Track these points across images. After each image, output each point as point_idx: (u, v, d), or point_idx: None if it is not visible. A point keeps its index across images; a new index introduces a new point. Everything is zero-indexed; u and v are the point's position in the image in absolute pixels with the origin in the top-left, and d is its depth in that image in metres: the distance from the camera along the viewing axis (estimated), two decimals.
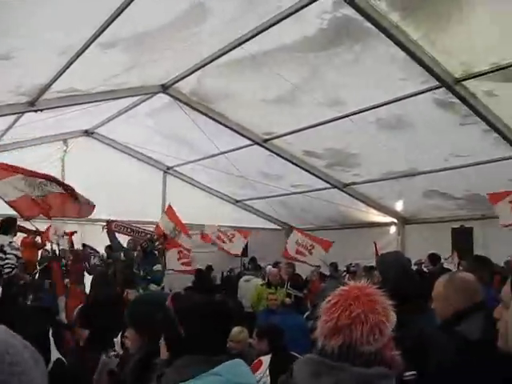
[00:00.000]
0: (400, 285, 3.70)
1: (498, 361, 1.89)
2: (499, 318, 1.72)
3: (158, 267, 9.95)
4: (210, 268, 14.06)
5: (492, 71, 7.38)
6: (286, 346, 5.82)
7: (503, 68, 7.25)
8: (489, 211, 11.98)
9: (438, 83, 7.89)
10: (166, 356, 2.44)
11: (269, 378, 5.36)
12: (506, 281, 1.71)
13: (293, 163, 12.20)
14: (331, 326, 2.17)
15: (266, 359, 5.70)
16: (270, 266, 11.58)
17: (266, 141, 11.53)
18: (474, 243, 12.12)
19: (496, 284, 7.16)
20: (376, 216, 14.55)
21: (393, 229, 14.81)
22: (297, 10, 7.03)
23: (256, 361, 5.70)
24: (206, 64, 8.82)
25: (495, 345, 1.73)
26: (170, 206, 12.83)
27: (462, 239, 12.12)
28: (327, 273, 13.39)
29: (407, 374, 2.73)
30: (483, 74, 7.51)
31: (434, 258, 9.55)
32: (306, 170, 12.46)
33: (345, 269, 13.19)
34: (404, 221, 14.52)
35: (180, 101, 10.48)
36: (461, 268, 9.05)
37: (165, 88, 10.16)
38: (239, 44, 8.04)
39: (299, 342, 6.65)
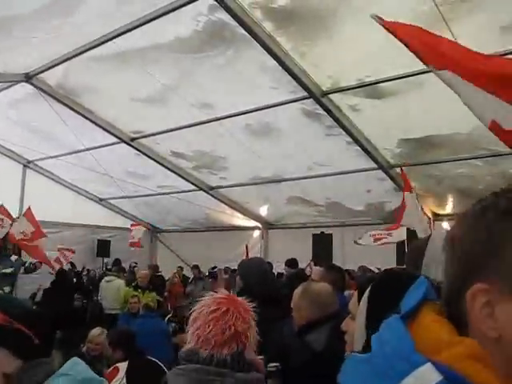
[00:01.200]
0: (262, 291, 3.75)
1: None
2: (347, 329, 1.77)
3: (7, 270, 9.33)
4: (73, 266, 13.42)
5: (357, 87, 7.75)
6: (142, 351, 5.65)
7: (367, 85, 7.64)
8: (348, 219, 12.62)
9: (306, 94, 8.12)
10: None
11: None
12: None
13: (160, 164, 12.01)
14: (229, 334, 2.24)
15: (122, 366, 5.50)
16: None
17: (133, 139, 11.24)
18: (334, 249, 12.64)
19: (353, 288, 7.52)
20: (241, 220, 14.75)
21: (256, 233, 15.09)
22: (172, 10, 6.93)
23: (112, 368, 5.48)
24: (75, 56, 8.42)
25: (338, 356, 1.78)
26: (29, 209, 12.02)
27: (322, 245, 12.57)
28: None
29: (271, 365, 2.83)
30: (348, 89, 7.85)
31: (291, 263, 9.85)
32: (173, 171, 12.32)
33: (207, 272, 13.23)
34: (268, 225, 14.84)
35: (45, 92, 9.91)
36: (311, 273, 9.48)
37: (28, 77, 9.55)
38: (111, 38, 7.76)
39: (159, 345, 6.53)
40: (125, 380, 5.26)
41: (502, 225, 0.85)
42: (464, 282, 0.87)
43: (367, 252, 11.10)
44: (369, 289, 1.61)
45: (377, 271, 9.70)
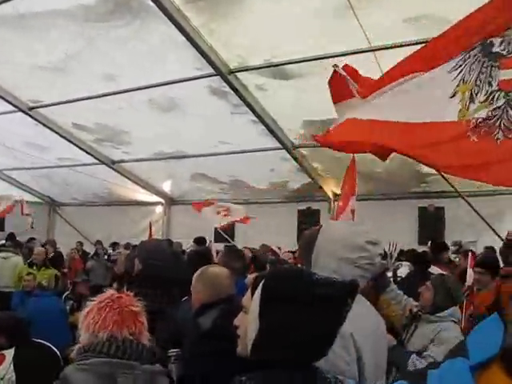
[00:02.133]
0: (161, 273, 3.74)
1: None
2: (239, 324, 1.79)
3: None
4: None
5: (264, 67, 7.79)
6: (29, 337, 5.37)
7: (274, 66, 7.70)
8: (251, 197, 12.74)
9: (213, 71, 8.06)
10: None
11: (14, 374, 4.94)
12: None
13: (60, 135, 11.52)
14: (126, 313, 2.32)
15: (9, 353, 5.24)
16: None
17: (31, 109, 10.70)
18: (236, 227, 12.74)
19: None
20: (143, 195, 14.54)
21: (159, 208, 14.95)
22: None
23: None
24: None
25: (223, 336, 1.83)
26: None
27: None
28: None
29: (171, 351, 2.83)
30: (256, 69, 7.88)
31: (199, 241, 9.85)
32: (74, 144, 11.87)
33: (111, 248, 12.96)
34: (171, 201, 14.73)
35: None
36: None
37: None
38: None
39: (55, 326, 6.32)
40: (12, 368, 5.02)
41: None
42: None
43: (265, 231, 11.34)
44: (261, 284, 1.65)
45: (277, 250, 9.91)
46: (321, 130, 9.41)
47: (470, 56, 3.57)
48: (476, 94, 3.53)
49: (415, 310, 3.99)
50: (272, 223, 12.08)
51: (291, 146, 10.11)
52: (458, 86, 3.60)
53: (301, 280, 1.63)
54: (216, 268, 3.32)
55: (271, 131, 9.45)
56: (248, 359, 1.66)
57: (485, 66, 3.52)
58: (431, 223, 11.27)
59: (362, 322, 1.95)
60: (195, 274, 3.18)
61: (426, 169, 10.02)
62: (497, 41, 3.49)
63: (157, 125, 10.15)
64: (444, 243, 8.22)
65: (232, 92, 8.48)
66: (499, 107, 3.41)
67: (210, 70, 8.09)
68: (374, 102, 4.01)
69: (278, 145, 10.02)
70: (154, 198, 14.70)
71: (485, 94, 3.49)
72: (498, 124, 3.40)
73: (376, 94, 4.00)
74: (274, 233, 11.44)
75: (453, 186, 4.39)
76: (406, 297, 4.06)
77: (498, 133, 3.38)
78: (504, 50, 3.46)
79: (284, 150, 10.22)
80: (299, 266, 2.25)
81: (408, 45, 6.84)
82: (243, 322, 1.74)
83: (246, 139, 10.15)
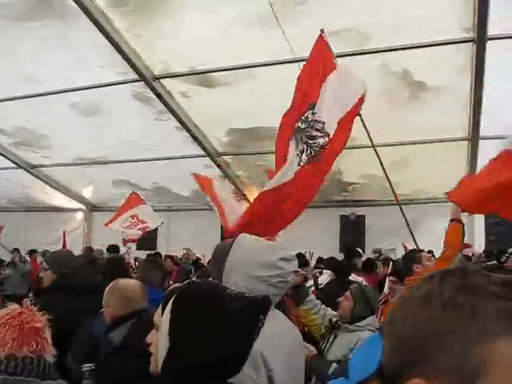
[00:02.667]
0: (74, 284, 3.71)
1: None
2: (151, 341, 1.76)
3: None
4: None
5: (189, 74, 7.80)
6: None
7: (199, 73, 7.73)
8: (174, 204, 12.67)
9: (137, 76, 7.99)
10: None
11: None
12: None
13: None
14: (27, 329, 2.22)
15: None
16: None
17: None
18: (159, 234, 12.64)
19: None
20: (63, 201, 14.14)
21: (80, 215, 14.59)
22: None
23: None
24: None
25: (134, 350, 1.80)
26: None
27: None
28: None
29: (85, 365, 2.80)
30: (181, 75, 7.88)
31: (111, 249, 9.65)
32: None
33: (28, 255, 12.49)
34: (92, 207, 14.41)
35: None
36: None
37: None
38: None
39: None
40: None
41: (445, 316, 0.81)
42: (400, 371, 0.84)
43: (189, 238, 11.30)
44: (171, 300, 1.63)
45: (200, 256, 9.91)
46: (245, 137, 9.54)
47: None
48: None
49: (334, 319, 4.06)
50: (196, 230, 12.05)
51: (215, 154, 10.14)
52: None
53: (213, 296, 1.61)
54: (127, 281, 3.26)
55: (195, 138, 9.46)
56: (160, 377, 1.63)
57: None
58: (352, 231, 11.58)
59: (275, 340, 1.89)
60: (106, 288, 3.12)
61: (346, 178, 10.32)
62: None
63: (79, 129, 9.93)
64: (356, 250, 8.46)
65: (156, 98, 8.44)
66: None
67: (134, 76, 8.01)
68: None
69: (201, 152, 10.04)
70: (75, 204, 14.33)
71: None
72: None
73: None
74: (197, 239, 11.42)
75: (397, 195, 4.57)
76: (324, 306, 4.14)
77: None
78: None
79: (208, 158, 10.24)
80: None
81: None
82: (155, 339, 1.71)
83: (170, 146, 10.11)
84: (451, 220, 4.16)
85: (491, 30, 6.55)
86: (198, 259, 10.11)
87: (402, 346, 0.85)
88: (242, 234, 2.24)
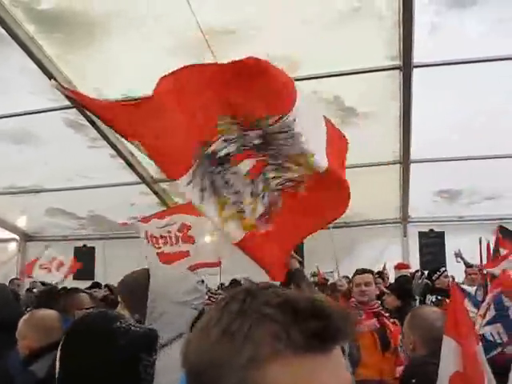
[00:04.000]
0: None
1: None
2: None
3: None
4: None
5: (121, 101, 7.71)
6: None
7: (131, 100, 7.65)
8: (111, 232, 12.44)
9: (69, 103, 7.85)
10: None
11: None
12: None
13: None
14: None
15: None
16: None
17: None
18: (96, 263, 12.38)
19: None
20: None
21: (13, 245, 14.11)
22: None
23: None
24: None
25: None
26: None
27: (85, 258, 12.24)
28: None
29: None
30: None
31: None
32: None
33: None
34: (26, 237, 13.97)
35: None
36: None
37: None
38: None
39: None
40: None
41: (222, 345, 0.81)
42: None
43: (128, 266, 11.07)
44: (64, 336, 1.59)
45: None
46: None
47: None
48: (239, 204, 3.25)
49: None
50: (134, 258, 11.82)
51: (151, 180, 10.05)
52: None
53: (103, 332, 1.57)
54: (43, 311, 3.18)
55: (130, 165, 9.35)
56: None
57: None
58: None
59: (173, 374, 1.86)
60: (21, 320, 3.03)
61: None
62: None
63: (9, 157, 9.65)
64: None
65: (89, 125, 8.31)
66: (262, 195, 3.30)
67: (66, 102, 7.87)
68: None
69: (137, 179, 9.93)
70: (7, 234, 13.85)
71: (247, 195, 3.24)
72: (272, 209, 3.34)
73: None
74: (134, 267, 11.19)
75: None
76: None
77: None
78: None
79: (144, 185, 10.14)
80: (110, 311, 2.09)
81: None
82: None
83: (105, 173, 9.95)
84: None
85: (417, 58, 6.82)
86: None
87: (195, 377, 0.85)
88: (153, 264, 2.25)
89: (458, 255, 8.19)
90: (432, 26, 6.70)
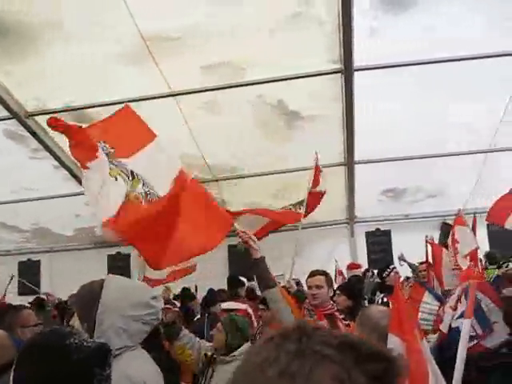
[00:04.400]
0: None
1: None
2: None
3: None
4: None
5: (63, 110, 7.58)
6: None
7: (74, 109, 7.54)
8: (56, 245, 12.16)
9: (9, 114, 7.66)
10: None
11: None
12: None
13: None
14: None
15: None
16: None
17: None
18: (42, 276, 12.08)
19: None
20: None
21: None
22: None
23: None
24: None
25: None
26: None
27: (29, 272, 11.92)
28: None
29: None
30: (55, 112, 7.62)
31: None
32: None
33: None
34: None
35: None
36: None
37: None
38: None
39: None
40: None
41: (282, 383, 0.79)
42: None
43: (73, 278, 10.85)
44: (17, 356, 1.58)
45: None
46: None
47: None
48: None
49: (209, 353, 4.02)
50: (81, 270, 11.59)
51: None
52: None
53: (56, 349, 1.57)
54: None
55: (74, 176, 9.15)
56: None
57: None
58: (240, 260, 11.62)
59: None
60: None
61: (231, 207, 10.39)
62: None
63: None
64: (238, 279, 8.55)
65: (30, 136, 8.11)
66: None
67: (6, 113, 7.67)
68: None
69: (82, 189, 9.71)
70: None
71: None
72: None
73: None
74: (82, 279, 10.97)
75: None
76: (198, 339, 4.09)
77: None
78: None
79: None
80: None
81: (206, 90, 7.16)
82: None
83: (49, 184, 9.71)
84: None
85: (357, 61, 6.95)
86: (60, 302, 9.42)
87: None
88: (110, 276, 2.22)
89: (401, 258, 8.36)
90: (371, 30, 6.86)
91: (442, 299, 4.88)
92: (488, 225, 9.84)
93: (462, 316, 4.67)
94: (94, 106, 7.50)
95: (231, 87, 7.23)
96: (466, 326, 2.93)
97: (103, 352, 1.57)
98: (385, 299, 6.56)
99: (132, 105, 7.29)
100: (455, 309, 4.67)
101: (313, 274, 4.88)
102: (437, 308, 4.61)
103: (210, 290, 8.64)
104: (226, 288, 8.31)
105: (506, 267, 7.32)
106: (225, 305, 5.91)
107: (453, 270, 6.16)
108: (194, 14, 6.40)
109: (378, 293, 7.44)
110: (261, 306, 5.47)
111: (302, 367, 0.79)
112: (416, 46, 6.76)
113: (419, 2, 6.56)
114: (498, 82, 7.47)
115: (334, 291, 5.47)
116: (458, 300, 4.75)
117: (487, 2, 6.67)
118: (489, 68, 7.14)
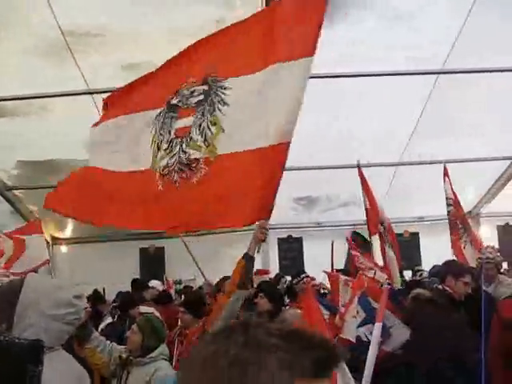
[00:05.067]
0: None
1: None
2: None
3: None
4: None
5: None
6: None
7: None
8: None
9: None
10: None
11: None
12: None
13: None
14: None
15: None
16: None
17: None
18: None
19: None
20: None
21: None
22: None
23: None
24: None
25: None
26: None
27: None
28: None
29: None
30: None
31: None
32: None
33: None
34: None
35: None
36: None
37: None
38: None
39: None
40: None
41: (231, 375, 0.83)
42: None
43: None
44: None
45: None
46: (39, 170, 9.03)
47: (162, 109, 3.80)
48: (160, 143, 3.72)
49: (124, 355, 3.97)
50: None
51: (3, 188, 9.46)
52: (152, 134, 3.80)
53: None
54: None
55: None
56: None
57: (167, 116, 3.76)
58: (152, 263, 11.50)
59: None
60: None
61: None
62: (176, 94, 3.74)
63: None
64: (142, 282, 8.48)
65: None
66: (175, 154, 3.61)
67: None
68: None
69: None
70: None
71: (166, 143, 3.69)
72: (175, 168, 3.59)
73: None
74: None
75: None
76: (109, 342, 4.01)
77: (175, 176, 3.57)
78: (180, 102, 3.73)
79: None
80: None
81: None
82: None
83: None
84: (243, 255, 4.18)
85: None
86: None
87: None
88: (30, 274, 2.15)
89: None
90: None
91: (331, 309, 5.05)
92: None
93: (362, 325, 4.87)
94: (6, 99, 7.21)
95: None
96: (377, 329, 3.05)
97: (37, 348, 1.53)
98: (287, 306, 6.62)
99: (48, 100, 7.15)
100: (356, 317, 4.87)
101: (224, 279, 4.96)
102: (327, 317, 4.73)
103: (125, 293, 8.49)
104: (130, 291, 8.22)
105: (420, 276, 7.68)
106: (143, 308, 5.88)
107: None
108: (116, 12, 6.31)
109: (285, 298, 7.56)
110: (181, 309, 5.46)
111: (252, 356, 0.83)
112: (331, 59, 6.96)
113: (343, 16, 6.75)
114: (409, 98, 7.85)
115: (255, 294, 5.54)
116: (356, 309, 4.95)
117: (403, 19, 6.97)
118: (401, 84, 7.49)
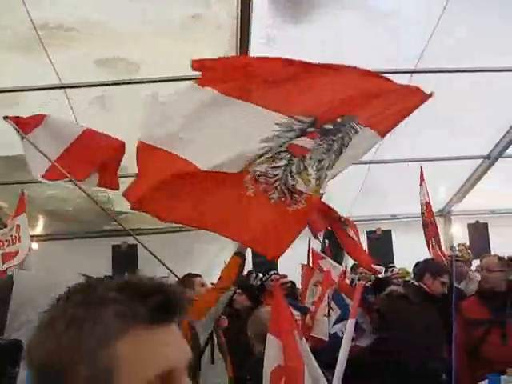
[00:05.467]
0: None
1: None
2: None
3: None
4: None
5: None
6: None
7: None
8: None
9: None
10: None
11: None
12: None
13: None
14: None
15: None
16: None
17: None
18: None
19: None
20: None
21: None
22: None
23: None
24: None
25: None
26: None
27: None
28: None
29: None
30: None
31: None
32: None
33: None
34: None
35: None
36: None
37: None
38: None
39: None
40: None
41: (70, 335, 0.83)
42: None
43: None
44: None
45: None
46: (10, 166, 8.87)
47: None
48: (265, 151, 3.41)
49: None
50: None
51: None
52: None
53: None
54: None
55: None
56: None
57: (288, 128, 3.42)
58: (124, 261, 11.38)
59: None
60: None
61: (117, 207, 10.18)
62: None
63: None
64: None
65: None
66: (279, 167, 3.34)
67: None
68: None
69: None
70: None
71: (271, 151, 3.37)
72: (276, 186, 3.34)
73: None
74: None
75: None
76: None
77: (274, 193, 3.34)
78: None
79: None
80: None
81: (101, 85, 6.99)
82: None
83: None
84: (235, 253, 4.29)
85: None
86: None
87: (44, 375, 0.84)
88: (17, 271, 2.13)
89: None
90: (268, 39, 6.97)
91: (302, 309, 5.09)
92: (368, 232, 10.44)
93: (337, 321, 4.92)
94: None
95: (124, 83, 7.10)
96: (350, 326, 3.08)
97: (16, 350, 1.51)
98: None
99: (20, 94, 7.03)
100: (329, 315, 4.92)
101: (190, 275, 5.09)
102: (298, 318, 4.77)
103: None
104: None
105: (392, 271, 7.77)
106: None
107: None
108: (89, 7, 6.23)
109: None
110: None
111: (88, 312, 0.84)
112: (311, 58, 6.96)
113: (318, 14, 6.76)
114: None
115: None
116: (329, 307, 5.00)
117: (384, 17, 7.01)
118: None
